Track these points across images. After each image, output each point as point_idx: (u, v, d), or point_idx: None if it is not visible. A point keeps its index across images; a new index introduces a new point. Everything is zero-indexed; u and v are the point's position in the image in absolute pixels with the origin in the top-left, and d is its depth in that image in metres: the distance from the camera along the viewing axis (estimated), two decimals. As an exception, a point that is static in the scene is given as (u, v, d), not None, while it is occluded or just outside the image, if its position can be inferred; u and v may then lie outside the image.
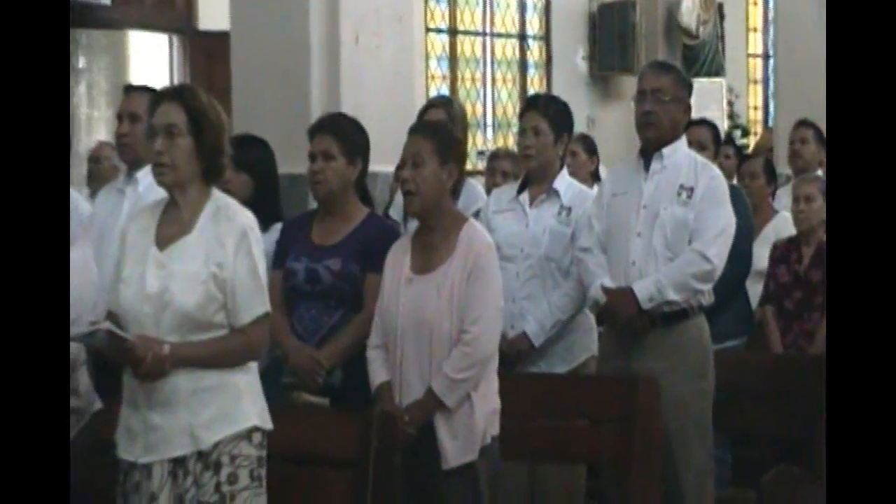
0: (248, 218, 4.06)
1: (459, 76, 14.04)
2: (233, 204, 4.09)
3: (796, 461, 5.97)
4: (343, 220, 5.15)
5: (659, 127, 5.78)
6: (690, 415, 5.68)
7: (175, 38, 12.05)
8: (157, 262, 3.92)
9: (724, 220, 5.77)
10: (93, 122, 11.16)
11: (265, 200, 4.95)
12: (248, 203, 4.49)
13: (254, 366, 4.06)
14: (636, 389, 5.38)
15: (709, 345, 5.82)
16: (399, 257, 4.86)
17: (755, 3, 15.92)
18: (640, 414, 5.32)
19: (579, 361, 5.90)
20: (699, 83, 13.84)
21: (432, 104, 6.89)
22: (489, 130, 13.81)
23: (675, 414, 5.57)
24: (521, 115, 6.16)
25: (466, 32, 14.07)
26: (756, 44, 15.76)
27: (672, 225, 5.70)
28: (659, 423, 5.45)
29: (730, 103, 14.64)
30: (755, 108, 15.72)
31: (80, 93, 11.52)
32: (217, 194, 4.02)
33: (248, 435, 3.93)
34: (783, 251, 6.92)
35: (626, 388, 5.43)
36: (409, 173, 4.76)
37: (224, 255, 3.90)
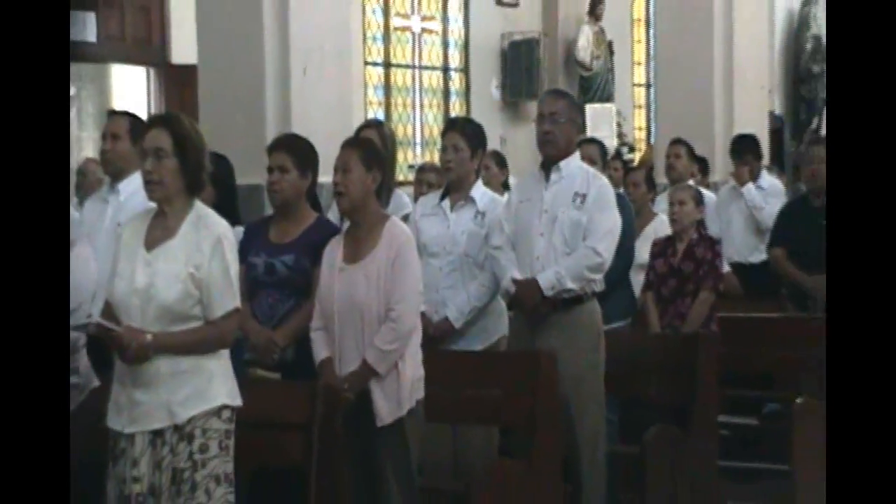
0: (223, 227, 4.05)
1: (393, 102, 13.99)
2: (212, 214, 4.09)
3: (673, 421, 6.00)
4: (296, 222, 5.14)
5: (556, 144, 5.79)
6: (585, 383, 5.69)
7: (152, 71, 11.95)
8: (144, 261, 3.92)
9: (612, 222, 5.80)
10: (81, 141, 11.04)
11: (226, 207, 4.93)
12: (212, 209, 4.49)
13: (225, 352, 4.05)
14: (539, 363, 5.38)
15: (600, 325, 5.84)
16: (333, 250, 4.87)
17: (639, 41, 16.00)
18: (542, 384, 5.31)
19: (493, 340, 5.89)
20: (593, 108, 13.94)
21: (366, 125, 6.89)
22: (418, 148, 13.80)
23: (573, 383, 5.59)
24: (443, 135, 6.15)
25: (398, 65, 14.04)
26: (640, 75, 15.84)
27: (568, 226, 5.71)
28: (558, 391, 5.46)
29: (618, 125, 14.69)
30: (639, 128, 15.81)
31: (71, 116, 11.38)
32: (198, 205, 4.03)
33: (217, 412, 3.93)
34: (661, 247, 6.96)
35: (531, 362, 5.43)
36: (339, 178, 4.78)
37: (201, 258, 3.90)
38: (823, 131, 13.39)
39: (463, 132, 5.98)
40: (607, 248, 5.73)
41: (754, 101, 11.18)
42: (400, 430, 4.72)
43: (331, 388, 4.67)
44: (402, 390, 4.76)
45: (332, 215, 6.14)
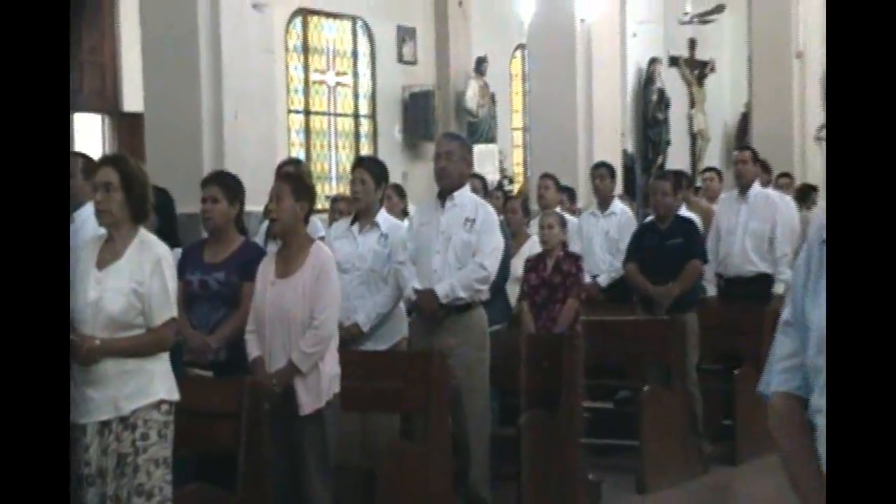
0: (163, 249, 4.03)
1: (312, 144, 13.86)
2: (153, 239, 4.07)
3: (544, 406, 5.97)
4: (225, 245, 5.05)
5: (450, 178, 5.77)
6: (474, 375, 5.64)
7: (106, 118, 11.69)
8: (95, 278, 3.85)
9: (496, 242, 5.78)
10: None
11: (167, 232, 4.82)
12: (155, 234, 4.42)
13: (165, 354, 3.99)
14: (433, 360, 5.34)
15: (486, 327, 5.82)
16: (266, 267, 4.79)
17: (517, 93, 16.04)
18: (435, 377, 5.26)
19: (395, 341, 5.82)
20: (479, 148, 13.88)
21: (287, 163, 6.81)
22: (333, 182, 13.67)
23: (463, 375, 5.54)
24: (352, 171, 6.09)
25: (317, 113, 13.92)
26: (518, 120, 15.88)
27: (460, 245, 5.67)
28: (450, 383, 5.41)
29: (500, 162, 14.70)
30: (518, 164, 15.83)
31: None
32: (142, 231, 3.98)
33: (157, 405, 3.89)
34: (533, 263, 6.93)
35: (427, 359, 5.38)
36: (273, 206, 4.74)
37: (143, 276, 3.86)
38: (667, 167, 13.53)
39: (369, 168, 5.94)
40: (492, 264, 5.70)
41: (610, 142, 11.21)
42: (319, 418, 4.66)
43: (258, 384, 4.59)
44: (321, 385, 4.68)
45: (259, 238, 6.07)
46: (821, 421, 2.16)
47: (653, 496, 6.33)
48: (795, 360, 2.24)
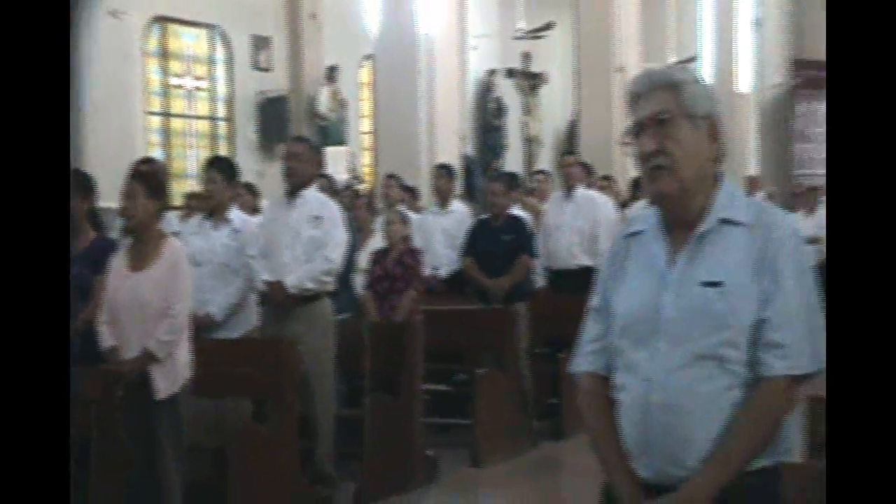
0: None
1: (172, 144, 13.54)
2: None
3: (386, 389, 5.95)
4: (79, 239, 4.88)
5: (298, 177, 5.71)
6: (321, 361, 5.58)
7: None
8: None
9: (341, 237, 5.75)
10: None
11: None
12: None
13: None
14: (282, 347, 5.27)
15: (332, 316, 5.78)
16: (119, 261, 4.63)
17: (365, 99, 16.01)
18: (284, 363, 5.20)
19: (247, 329, 5.73)
20: (331, 150, 13.83)
21: (140, 162, 6.60)
22: (190, 180, 13.37)
23: (311, 360, 5.49)
24: (205, 171, 5.96)
25: (176, 115, 13.59)
26: (366, 125, 15.86)
27: (307, 240, 5.62)
28: (299, 368, 5.35)
29: (351, 163, 14.65)
30: (367, 166, 15.81)
31: None
32: None
33: None
34: (377, 256, 6.92)
35: (276, 347, 5.31)
36: (127, 203, 4.58)
37: None
38: (504, 170, 13.73)
39: (219, 168, 5.83)
40: (338, 257, 5.67)
41: (451, 146, 11.30)
42: (174, 403, 4.54)
43: (112, 371, 4.44)
44: (176, 371, 4.56)
45: (114, 233, 5.88)
46: (622, 396, 2.23)
47: (486, 469, 6.40)
48: (601, 343, 2.30)
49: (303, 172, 5.65)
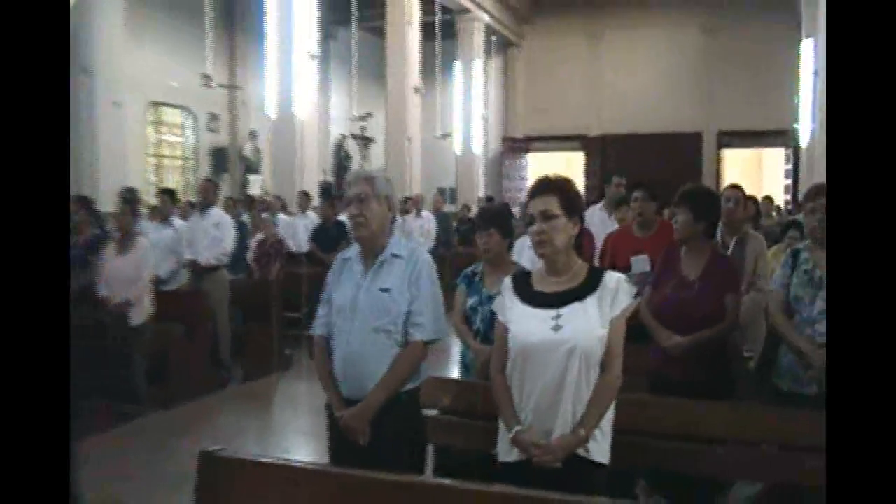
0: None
1: (161, 174, 13.16)
2: None
3: (259, 318, 5.97)
4: (81, 236, 5.18)
5: (209, 200, 5.90)
6: (220, 302, 5.74)
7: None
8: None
9: (231, 235, 5.95)
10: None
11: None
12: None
13: None
14: (199, 295, 5.47)
15: (226, 279, 5.83)
16: (111, 249, 4.74)
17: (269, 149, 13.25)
18: (200, 304, 5.44)
19: (179, 285, 5.64)
20: (252, 177, 14.76)
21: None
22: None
23: (215, 302, 5.65)
24: (159, 195, 6.11)
25: (164, 156, 13.01)
26: (269, 163, 13.67)
27: (213, 237, 5.75)
28: (208, 306, 5.49)
29: (262, 185, 14.76)
30: (268, 188, 14.04)
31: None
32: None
33: None
34: (260, 242, 6.63)
35: (196, 295, 5.50)
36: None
37: None
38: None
39: (167, 193, 5.88)
40: (229, 247, 5.61)
41: (315, 178, 10.81)
42: (143, 327, 4.70)
43: (109, 308, 4.68)
44: (143, 309, 4.66)
45: None
46: (335, 350, 2.54)
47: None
48: (326, 318, 2.68)
49: (212, 198, 6.24)
